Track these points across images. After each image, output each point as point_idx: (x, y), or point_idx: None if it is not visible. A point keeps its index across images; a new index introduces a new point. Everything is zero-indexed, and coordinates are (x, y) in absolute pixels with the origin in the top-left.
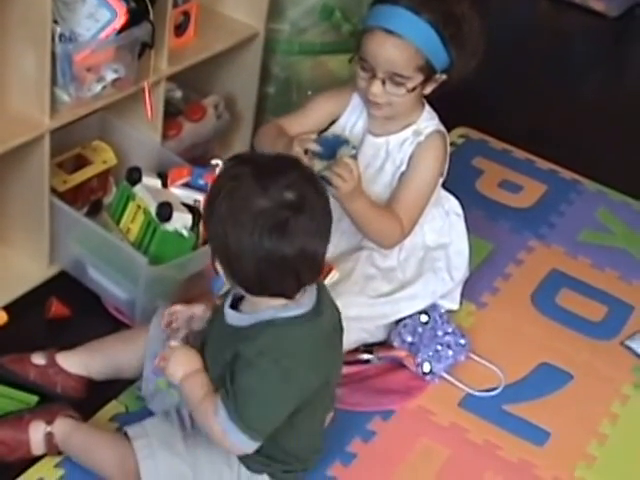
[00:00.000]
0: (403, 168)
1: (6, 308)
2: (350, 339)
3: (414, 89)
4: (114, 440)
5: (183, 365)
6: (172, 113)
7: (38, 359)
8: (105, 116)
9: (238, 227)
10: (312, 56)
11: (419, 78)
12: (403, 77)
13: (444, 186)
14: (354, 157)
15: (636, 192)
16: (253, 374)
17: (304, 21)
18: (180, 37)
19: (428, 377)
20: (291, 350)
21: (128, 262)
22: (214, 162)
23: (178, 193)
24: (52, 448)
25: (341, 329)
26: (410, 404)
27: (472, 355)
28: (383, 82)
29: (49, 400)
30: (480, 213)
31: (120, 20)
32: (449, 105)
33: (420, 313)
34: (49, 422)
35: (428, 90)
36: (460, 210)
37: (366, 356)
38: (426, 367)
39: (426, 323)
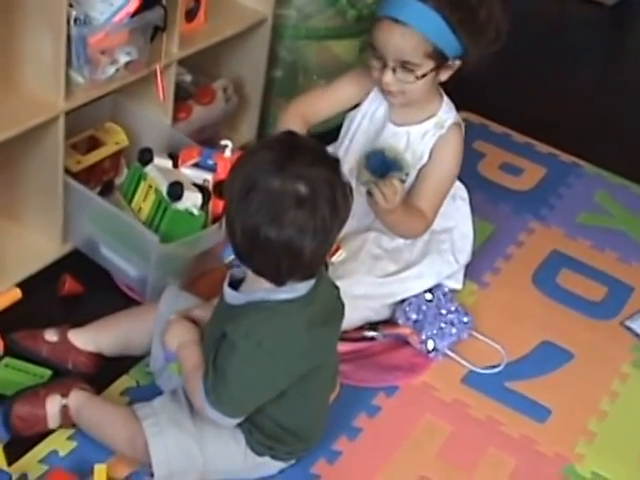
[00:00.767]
0: (424, 160)
1: (21, 285)
2: (356, 317)
3: (424, 75)
4: (125, 416)
5: (178, 336)
6: (182, 96)
7: (51, 336)
8: (117, 98)
9: (244, 189)
10: (318, 41)
11: (429, 65)
12: (412, 64)
13: None
14: (403, 182)
15: (634, 175)
16: (235, 356)
17: (310, 7)
18: (191, 22)
19: (432, 354)
20: (276, 333)
21: (139, 240)
22: (223, 142)
23: (188, 173)
24: (67, 420)
25: (341, 313)
26: (414, 380)
27: (475, 333)
28: (394, 70)
29: (62, 375)
30: (482, 195)
31: (133, 4)
32: (449, 90)
33: (425, 292)
34: (64, 395)
35: (444, 77)
36: (466, 194)
37: (371, 333)
38: (430, 344)
39: (430, 301)
